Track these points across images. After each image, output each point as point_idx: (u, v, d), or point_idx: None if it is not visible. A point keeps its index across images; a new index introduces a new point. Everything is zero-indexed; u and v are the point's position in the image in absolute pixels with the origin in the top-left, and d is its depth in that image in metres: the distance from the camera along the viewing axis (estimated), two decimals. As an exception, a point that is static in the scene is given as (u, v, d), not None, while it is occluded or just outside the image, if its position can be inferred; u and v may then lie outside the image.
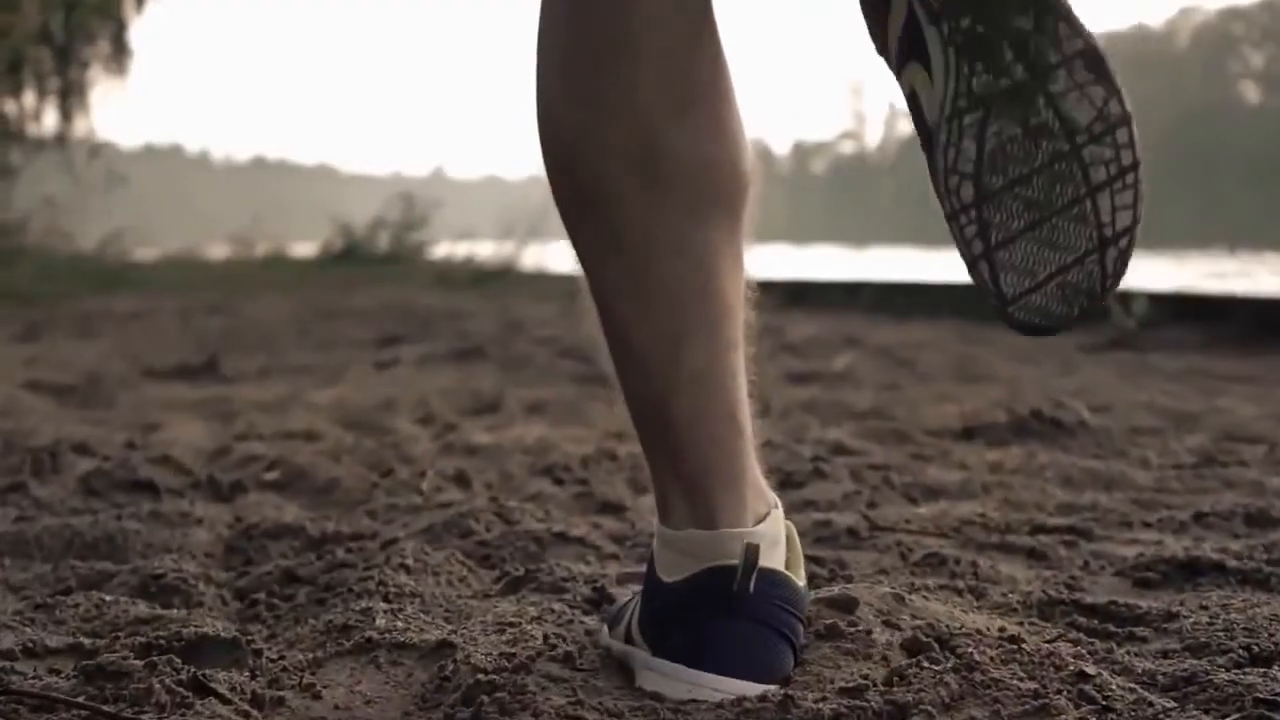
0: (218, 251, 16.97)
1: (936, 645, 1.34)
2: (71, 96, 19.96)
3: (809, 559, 1.70)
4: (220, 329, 7.05)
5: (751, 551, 1.36)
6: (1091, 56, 1.36)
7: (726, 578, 1.36)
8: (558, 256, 13.85)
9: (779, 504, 1.45)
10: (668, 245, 1.42)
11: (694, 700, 1.30)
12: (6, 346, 5.73)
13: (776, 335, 6.16)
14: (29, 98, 20.07)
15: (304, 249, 16.61)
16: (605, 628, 1.51)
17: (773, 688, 1.31)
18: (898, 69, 1.44)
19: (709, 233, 1.42)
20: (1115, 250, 1.37)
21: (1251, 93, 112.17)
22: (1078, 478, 2.37)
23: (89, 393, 3.94)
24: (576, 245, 1.45)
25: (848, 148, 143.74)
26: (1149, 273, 9.84)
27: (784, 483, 2.29)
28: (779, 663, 1.36)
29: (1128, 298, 6.74)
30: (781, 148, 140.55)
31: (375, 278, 12.40)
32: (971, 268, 1.37)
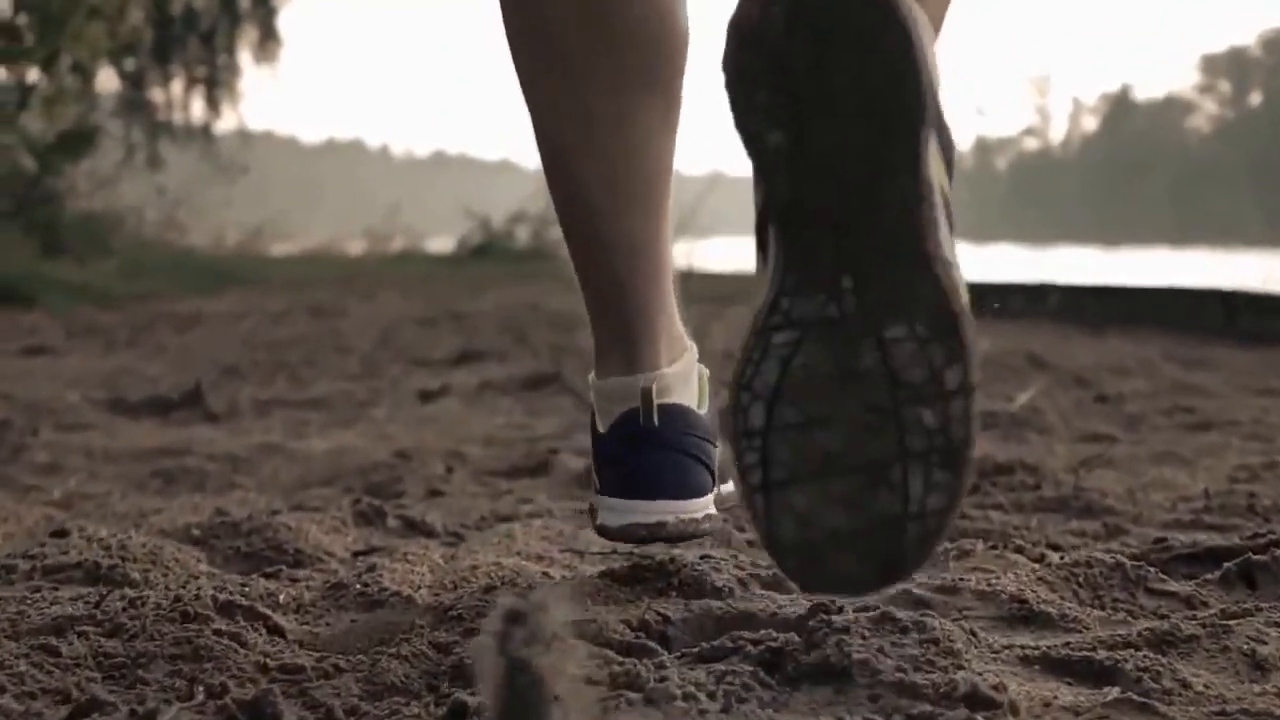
0: (356, 247, 16.21)
1: None
2: (219, 85, 19.37)
3: None
4: (292, 337, 6.04)
5: (646, 394, 1.55)
6: (944, 311, 1.22)
7: (635, 419, 1.55)
8: (708, 255, 12.76)
9: (694, 348, 1.65)
10: (613, 118, 1.52)
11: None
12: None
13: (945, 354, 4.97)
14: (176, 86, 19.54)
15: (448, 244, 15.83)
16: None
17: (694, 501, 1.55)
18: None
19: (645, 114, 1.53)
20: (920, 529, 1.21)
21: None
22: None
23: (-9, 439, 2.91)
24: (532, 116, 1.56)
25: (1031, 144, 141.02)
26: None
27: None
28: (694, 480, 1.56)
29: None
30: (964, 144, 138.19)
31: (509, 276, 11.44)
32: (745, 498, 1.25)
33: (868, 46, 1.19)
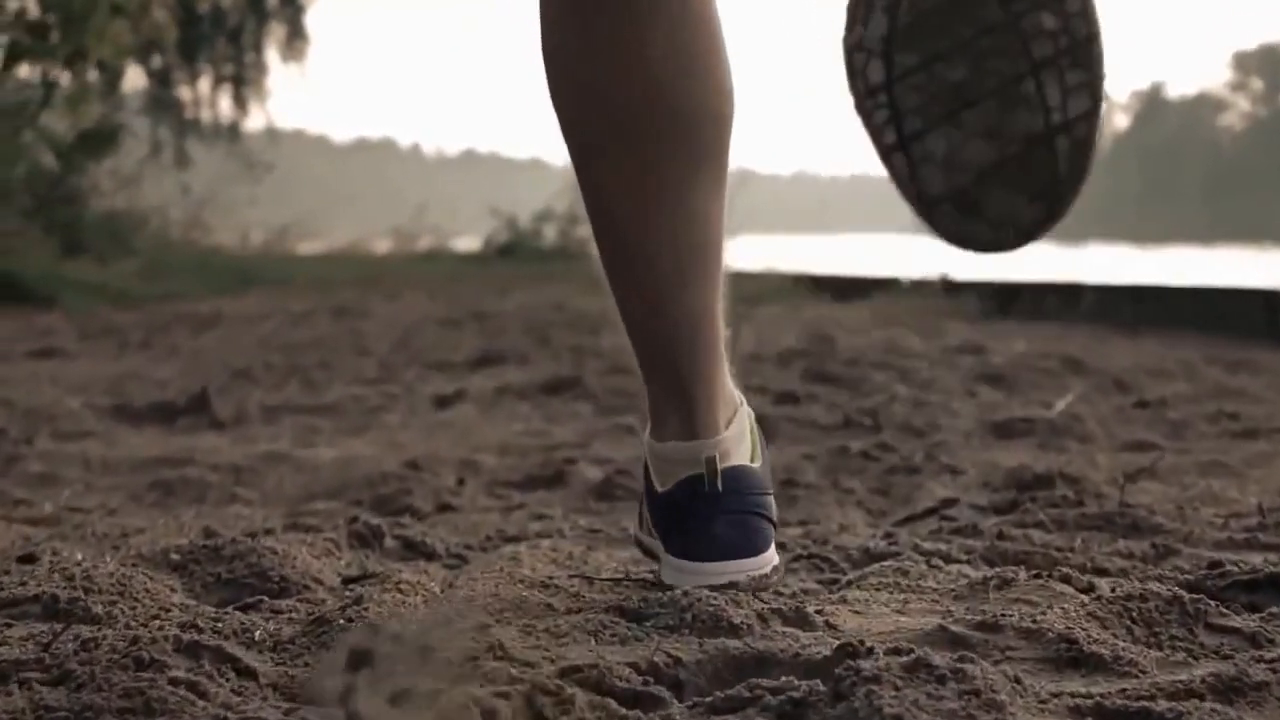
0: (382, 246, 16.05)
1: None
2: (246, 83, 19.28)
3: None
4: (310, 339, 5.91)
5: (711, 464, 1.57)
6: None
7: (700, 484, 1.57)
8: (737, 254, 12.60)
9: (743, 400, 1.66)
10: (674, 193, 1.49)
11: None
12: (6, 365, 4.64)
13: (977, 356, 4.83)
14: (203, 84, 19.45)
15: (475, 243, 15.68)
16: (636, 523, 1.75)
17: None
18: None
19: (703, 184, 1.50)
20: (1068, 140, 1.21)
21: None
22: None
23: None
24: (586, 191, 1.54)
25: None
26: None
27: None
28: (760, 537, 1.60)
29: None
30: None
31: (535, 276, 11.29)
32: (885, 161, 1.27)
33: None
